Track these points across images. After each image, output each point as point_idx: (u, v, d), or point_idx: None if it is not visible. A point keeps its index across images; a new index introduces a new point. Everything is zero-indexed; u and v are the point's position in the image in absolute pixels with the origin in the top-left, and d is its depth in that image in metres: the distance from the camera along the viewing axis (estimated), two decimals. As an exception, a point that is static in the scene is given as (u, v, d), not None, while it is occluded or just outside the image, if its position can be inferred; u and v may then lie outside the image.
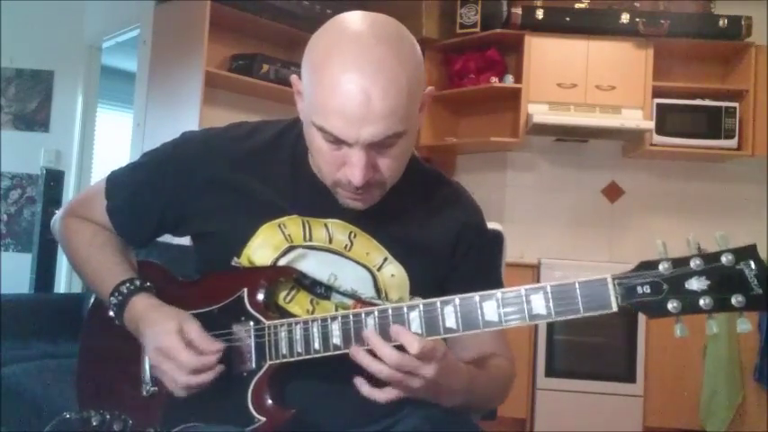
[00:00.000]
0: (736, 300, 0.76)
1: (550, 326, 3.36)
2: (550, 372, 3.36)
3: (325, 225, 1.00)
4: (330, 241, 0.99)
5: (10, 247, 3.89)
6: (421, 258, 1.02)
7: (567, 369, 3.38)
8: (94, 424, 1.04)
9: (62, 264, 3.65)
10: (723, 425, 3.19)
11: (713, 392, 3.22)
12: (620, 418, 3.30)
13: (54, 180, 3.19)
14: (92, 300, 1.14)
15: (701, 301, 0.77)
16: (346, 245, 1.00)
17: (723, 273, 0.76)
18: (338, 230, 1.00)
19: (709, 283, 0.77)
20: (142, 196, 1.06)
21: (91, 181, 4.12)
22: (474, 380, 0.94)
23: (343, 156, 0.88)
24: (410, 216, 1.03)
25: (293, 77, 0.97)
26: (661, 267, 0.79)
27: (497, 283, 1.06)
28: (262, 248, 0.98)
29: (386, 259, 1.00)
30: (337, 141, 0.87)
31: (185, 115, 3.14)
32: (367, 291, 0.99)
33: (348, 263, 0.99)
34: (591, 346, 3.42)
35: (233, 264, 0.99)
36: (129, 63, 4.04)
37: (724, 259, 0.77)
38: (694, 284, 0.77)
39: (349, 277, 0.99)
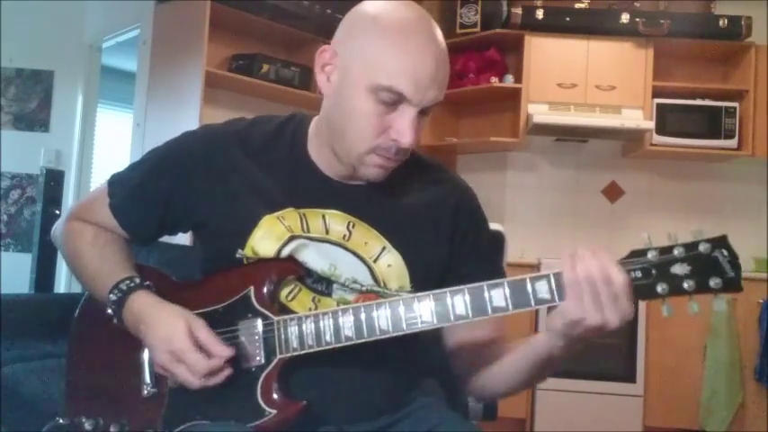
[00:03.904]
0: (713, 282, 0.85)
1: (550, 326, 3.36)
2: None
3: (323, 216, 1.01)
4: (327, 232, 1.00)
5: (10, 247, 3.89)
6: (419, 246, 1.03)
7: (567, 369, 3.37)
8: (88, 428, 1.02)
9: (62, 264, 3.64)
10: (723, 425, 3.19)
11: (713, 392, 3.22)
12: (620, 418, 3.30)
13: (54, 180, 3.19)
14: (81, 303, 1.12)
15: (685, 284, 0.85)
16: (344, 235, 1.00)
17: (701, 259, 0.85)
18: (336, 221, 1.01)
19: (690, 268, 0.85)
20: (145, 190, 1.07)
21: (91, 181, 4.12)
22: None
23: (390, 120, 0.93)
24: (408, 204, 1.05)
25: (325, 49, 0.99)
26: (650, 255, 0.87)
27: (496, 269, 1.08)
28: (265, 239, 0.99)
29: (384, 248, 1.01)
30: (395, 103, 0.92)
31: (185, 115, 3.14)
32: (366, 281, 1.00)
33: (346, 254, 1.00)
34: (591, 346, 3.37)
35: (237, 256, 1.00)
36: (129, 63, 4.03)
37: (701, 248, 0.85)
38: (678, 269, 0.86)
39: (348, 267, 1.00)
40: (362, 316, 0.90)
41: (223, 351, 0.93)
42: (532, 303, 0.88)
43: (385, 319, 0.89)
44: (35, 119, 3.98)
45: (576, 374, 3.36)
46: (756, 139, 3.56)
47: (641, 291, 0.86)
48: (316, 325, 0.92)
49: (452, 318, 0.89)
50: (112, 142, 4.61)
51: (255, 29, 3.44)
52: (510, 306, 0.88)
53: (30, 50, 3.94)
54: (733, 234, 0.85)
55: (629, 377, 3.32)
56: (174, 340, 0.93)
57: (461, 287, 0.89)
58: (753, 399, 3.23)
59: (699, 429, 3.26)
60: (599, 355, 3.40)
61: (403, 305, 0.90)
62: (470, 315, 0.88)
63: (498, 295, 0.88)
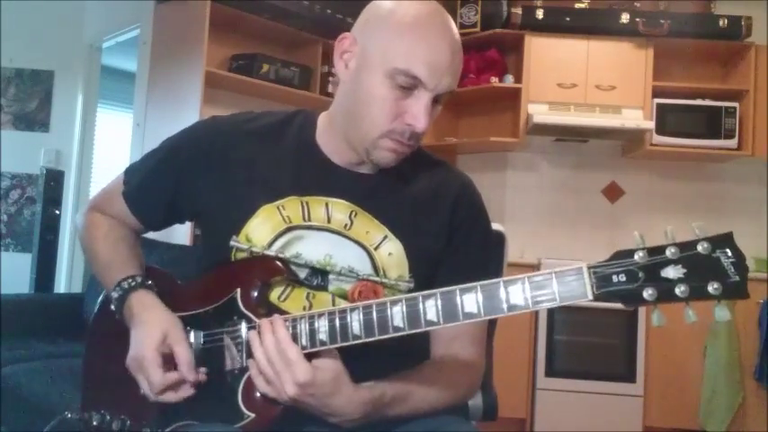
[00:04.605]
0: (712, 287, 0.75)
1: (550, 326, 3.36)
2: (550, 372, 3.36)
3: (326, 204, 1.02)
4: (328, 221, 1.02)
5: (10, 247, 3.89)
6: (420, 236, 1.04)
7: (567, 369, 3.38)
8: (95, 423, 1.04)
9: (62, 264, 3.65)
10: (723, 425, 3.19)
11: (713, 392, 3.22)
12: (620, 418, 3.30)
13: (54, 180, 3.20)
14: (99, 299, 1.15)
15: (677, 289, 0.75)
16: (346, 224, 1.02)
17: (699, 261, 0.75)
18: (338, 210, 1.02)
19: (685, 271, 0.75)
20: (155, 176, 1.11)
21: (91, 181, 4.12)
22: (387, 404, 0.94)
23: (405, 105, 0.96)
24: (411, 195, 1.06)
25: (345, 36, 1.02)
26: (636, 256, 0.77)
27: (482, 267, 1.06)
28: (260, 227, 1.01)
29: (385, 237, 1.02)
30: (411, 88, 0.95)
31: (185, 115, 3.14)
32: (365, 269, 1.01)
33: (346, 242, 1.01)
34: (591, 346, 3.42)
35: (231, 243, 1.01)
36: (129, 63, 4.04)
37: (700, 248, 0.75)
38: (670, 273, 0.76)
39: (346, 256, 1.01)
40: (336, 321, 0.89)
41: (187, 371, 0.95)
42: (505, 310, 0.82)
43: (357, 324, 0.87)
44: (35, 119, 3.98)
45: (576, 374, 3.36)
46: (756, 139, 3.56)
47: (624, 297, 0.77)
48: (293, 329, 0.91)
49: (423, 324, 0.85)
50: (112, 142, 4.61)
51: (255, 29, 3.44)
52: (482, 312, 0.83)
53: (30, 50, 3.94)
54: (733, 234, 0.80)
55: (629, 377, 3.32)
56: (143, 348, 0.96)
57: (434, 291, 0.85)
58: (753, 399, 3.23)
59: (699, 429, 3.26)
60: (599, 355, 3.41)
61: (375, 310, 0.87)
62: (441, 321, 0.84)
63: (471, 301, 0.83)
